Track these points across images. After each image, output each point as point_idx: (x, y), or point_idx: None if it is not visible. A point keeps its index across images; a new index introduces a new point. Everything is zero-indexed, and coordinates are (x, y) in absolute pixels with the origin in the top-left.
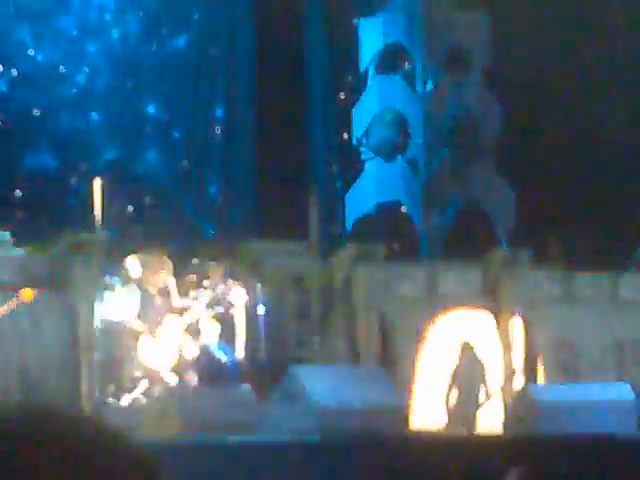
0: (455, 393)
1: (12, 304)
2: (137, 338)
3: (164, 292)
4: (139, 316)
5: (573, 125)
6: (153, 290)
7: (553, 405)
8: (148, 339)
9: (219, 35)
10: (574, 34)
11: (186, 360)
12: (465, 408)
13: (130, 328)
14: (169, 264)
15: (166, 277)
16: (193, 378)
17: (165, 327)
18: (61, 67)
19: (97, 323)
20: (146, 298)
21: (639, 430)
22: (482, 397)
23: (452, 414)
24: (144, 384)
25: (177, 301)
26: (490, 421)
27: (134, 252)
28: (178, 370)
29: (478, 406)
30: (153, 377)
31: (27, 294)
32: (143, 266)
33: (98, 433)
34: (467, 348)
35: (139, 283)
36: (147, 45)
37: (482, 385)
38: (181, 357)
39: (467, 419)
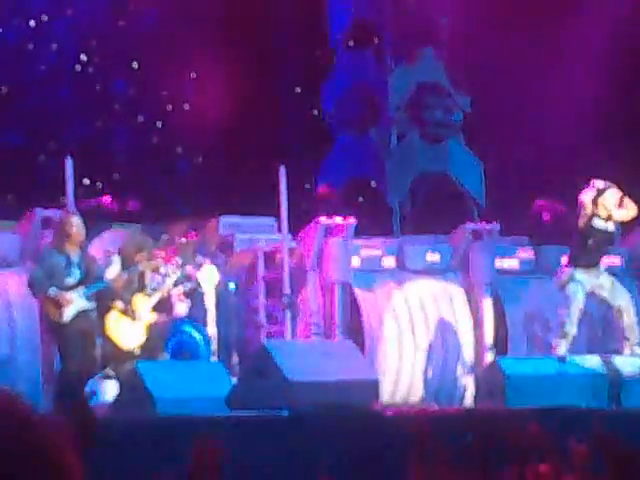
0: (428, 366)
1: None
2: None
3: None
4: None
5: (541, 98)
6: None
7: (522, 379)
8: (117, 315)
9: (186, 9)
10: (542, 14)
11: (156, 337)
12: (439, 382)
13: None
14: (151, 242)
15: (147, 256)
16: (163, 355)
17: (135, 305)
18: (28, 44)
19: None
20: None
21: (609, 403)
22: (456, 371)
23: (425, 388)
24: (114, 361)
25: (152, 279)
26: (463, 395)
27: (106, 229)
28: (147, 347)
29: (452, 380)
30: (123, 355)
31: None
32: (127, 243)
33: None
34: (439, 322)
35: (125, 260)
36: (115, 21)
37: (456, 358)
38: (150, 334)
39: (441, 393)
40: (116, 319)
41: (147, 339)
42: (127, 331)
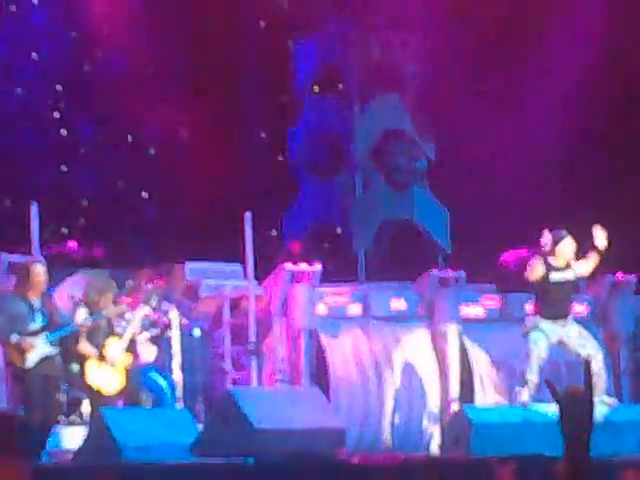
0: (394, 414)
1: None
2: (84, 361)
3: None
4: (87, 339)
5: (506, 146)
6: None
7: (488, 427)
8: (95, 362)
9: (152, 55)
10: (507, 65)
11: (134, 380)
12: (405, 429)
13: (79, 351)
14: (114, 285)
15: (111, 299)
16: (129, 401)
17: (108, 350)
18: None
19: None
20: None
21: None
22: (422, 418)
23: (391, 435)
24: (86, 407)
25: (117, 324)
26: (429, 443)
27: (71, 274)
28: (117, 393)
29: (418, 427)
30: (97, 400)
31: None
32: (90, 288)
33: None
34: (406, 369)
35: (89, 305)
36: (81, 65)
37: (422, 406)
38: (129, 377)
39: (407, 440)
40: (95, 368)
41: (127, 382)
42: (108, 377)
